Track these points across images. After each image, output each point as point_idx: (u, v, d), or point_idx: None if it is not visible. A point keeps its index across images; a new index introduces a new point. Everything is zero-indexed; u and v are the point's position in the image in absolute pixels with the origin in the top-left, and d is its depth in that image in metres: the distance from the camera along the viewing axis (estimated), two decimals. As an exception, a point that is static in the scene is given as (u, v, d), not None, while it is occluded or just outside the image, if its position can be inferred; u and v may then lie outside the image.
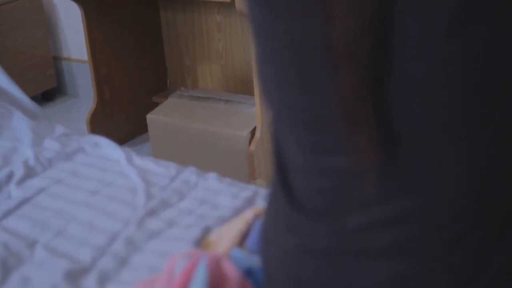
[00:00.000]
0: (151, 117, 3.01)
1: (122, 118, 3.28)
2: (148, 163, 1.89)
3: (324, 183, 0.80)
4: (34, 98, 3.46)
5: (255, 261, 1.31)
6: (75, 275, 1.45)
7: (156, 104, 3.29)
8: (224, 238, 1.41)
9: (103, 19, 3.15)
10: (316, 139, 0.79)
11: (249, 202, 1.68)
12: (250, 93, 3.07)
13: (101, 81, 3.18)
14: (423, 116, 0.69)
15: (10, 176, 1.87)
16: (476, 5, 0.64)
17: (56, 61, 3.86)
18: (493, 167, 0.71)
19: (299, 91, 0.77)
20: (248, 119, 2.83)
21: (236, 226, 1.43)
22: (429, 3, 0.65)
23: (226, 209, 1.65)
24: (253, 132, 2.76)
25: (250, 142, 2.75)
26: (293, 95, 0.78)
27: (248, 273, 1.23)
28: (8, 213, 1.71)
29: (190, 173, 1.84)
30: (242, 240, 1.41)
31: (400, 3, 0.66)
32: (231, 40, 3.20)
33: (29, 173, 1.89)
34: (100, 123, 3.19)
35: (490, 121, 0.68)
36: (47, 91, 3.82)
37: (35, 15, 3.69)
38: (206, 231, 1.56)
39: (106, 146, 2.01)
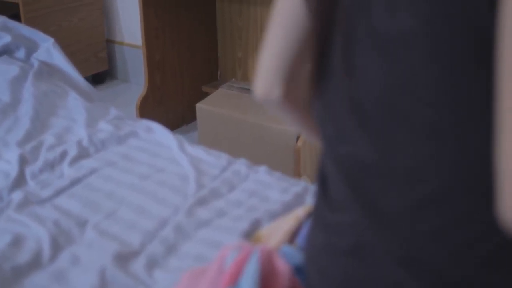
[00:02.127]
0: (200, 106, 3.02)
1: (171, 106, 3.30)
2: (199, 152, 1.90)
3: (344, 171, 0.82)
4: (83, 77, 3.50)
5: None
6: (124, 258, 1.46)
7: (205, 94, 3.30)
8: (275, 234, 1.41)
9: (160, 5, 3.17)
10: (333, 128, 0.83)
11: (298, 198, 1.68)
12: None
13: (153, 67, 3.20)
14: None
15: (63, 155, 1.89)
16: None
17: (109, 44, 3.89)
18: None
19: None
20: (298, 115, 2.82)
21: (287, 223, 1.43)
22: None
23: (275, 203, 1.65)
24: (301, 128, 2.75)
25: (297, 138, 2.74)
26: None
27: (298, 270, 1.23)
28: (60, 191, 1.73)
29: (240, 165, 1.85)
30: (293, 237, 1.41)
31: None
32: (285, 35, 3.20)
33: (83, 153, 1.91)
34: (149, 109, 3.21)
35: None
36: (98, 73, 3.86)
37: (92, -3, 3.72)
38: (255, 223, 1.56)
39: (159, 132, 2.03)
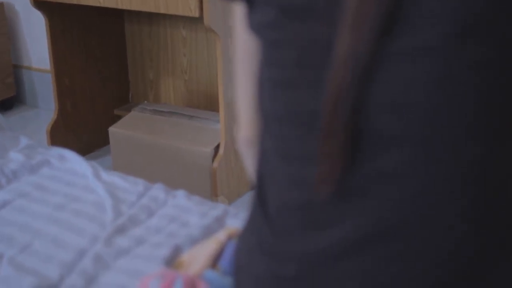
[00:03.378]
0: (113, 130, 2.98)
1: (83, 130, 3.25)
2: (115, 178, 1.87)
3: (300, 197, 0.80)
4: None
5: (228, 282, 1.30)
6: (42, 292, 1.43)
7: (118, 117, 3.26)
8: (197, 259, 1.40)
9: (68, 29, 3.12)
10: (296, 144, 0.79)
11: (218, 221, 1.67)
12: (214, 109, 3.06)
13: (63, 92, 3.15)
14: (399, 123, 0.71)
15: (-27, 188, 1.84)
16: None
17: (16, 69, 3.81)
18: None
19: (297, 91, 0.79)
20: (212, 136, 2.82)
21: (209, 247, 1.42)
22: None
23: (195, 227, 1.64)
24: (216, 148, 2.75)
25: (213, 158, 2.74)
26: (289, 94, 0.79)
27: (222, 295, 1.22)
28: (-28, 226, 1.68)
29: (158, 190, 1.83)
30: (215, 261, 1.40)
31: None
32: (196, 55, 3.19)
33: (-6, 185, 1.85)
34: (61, 135, 3.15)
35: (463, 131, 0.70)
36: (6, 99, 3.76)
37: (-4, 22, 3.64)
38: (176, 249, 1.54)
39: (72, 159, 1.99)
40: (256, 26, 0.84)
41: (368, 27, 0.70)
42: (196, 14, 2.54)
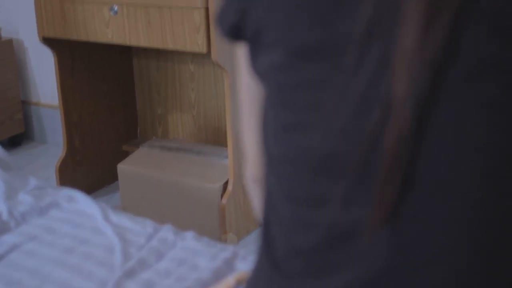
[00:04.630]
0: (121, 167, 2.98)
1: (91, 167, 3.24)
2: (124, 220, 1.86)
3: (308, 240, 0.79)
4: (0, 143, 3.42)
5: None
6: None
7: (126, 153, 3.26)
8: (207, 305, 1.39)
9: (76, 65, 3.13)
10: (304, 186, 0.78)
11: (228, 264, 1.66)
12: (222, 144, 3.05)
13: (72, 129, 3.15)
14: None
15: (-18, 231, 1.83)
16: None
17: (25, 105, 3.82)
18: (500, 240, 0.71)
19: (307, 134, 0.77)
20: (221, 172, 2.81)
21: (219, 293, 1.41)
22: None
23: (205, 270, 1.62)
24: (225, 185, 2.73)
25: (222, 195, 2.72)
26: (297, 137, 0.78)
27: None
28: (-19, 271, 1.67)
29: (167, 232, 1.81)
30: (225, 307, 1.39)
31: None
32: (204, 90, 3.19)
33: (3, 228, 1.85)
34: (69, 171, 3.15)
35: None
36: (15, 135, 3.77)
37: (5, 58, 3.64)
38: (186, 294, 1.53)
39: (81, 201, 1.98)
40: (262, 69, 0.82)
41: (423, 70, 0.69)
42: (203, 50, 2.55)
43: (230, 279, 1.45)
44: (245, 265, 1.61)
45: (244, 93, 0.94)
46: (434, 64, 0.69)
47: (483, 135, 0.69)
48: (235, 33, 0.85)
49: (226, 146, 2.81)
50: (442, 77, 0.69)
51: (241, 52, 0.89)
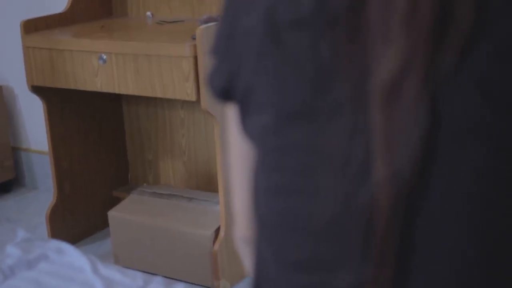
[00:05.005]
0: (112, 214, 2.96)
1: (82, 213, 3.22)
2: (114, 273, 1.85)
3: None
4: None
5: None
6: None
7: (117, 199, 3.24)
8: None
9: (65, 112, 3.13)
10: (297, 251, 0.77)
11: (219, 317, 1.64)
12: (214, 190, 3.04)
13: (62, 176, 3.13)
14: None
15: (-31, 286, 1.81)
16: None
17: (15, 151, 3.81)
18: None
19: (300, 198, 0.76)
20: (212, 218, 2.79)
21: None
22: None
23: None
24: (217, 231, 2.72)
25: (214, 241, 2.71)
26: (293, 201, 0.77)
27: None
28: (-32, 328, 1.65)
29: (157, 284, 1.80)
30: None
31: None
32: (194, 136, 3.19)
33: (-10, 282, 1.83)
34: (60, 218, 3.13)
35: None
36: (5, 182, 3.75)
37: (-5, 105, 3.65)
38: None
39: (70, 253, 1.97)
40: (252, 131, 0.82)
41: (407, 150, 0.68)
42: (193, 98, 2.55)
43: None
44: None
45: (233, 152, 0.94)
46: (423, 137, 0.68)
47: (474, 200, 0.69)
48: (225, 94, 0.85)
49: (217, 192, 2.80)
50: (432, 141, 0.69)
51: (230, 112, 0.89)
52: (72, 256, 1.95)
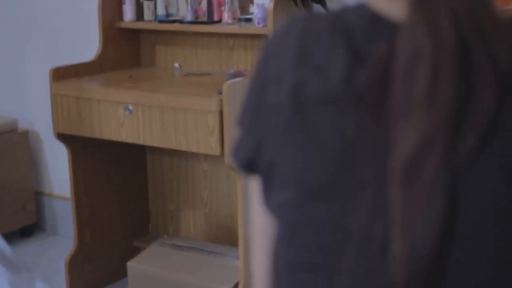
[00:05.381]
0: (131, 265, 2.96)
1: (101, 262, 3.21)
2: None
3: None
4: (12, 233, 3.41)
5: None
6: None
7: (136, 248, 3.24)
8: None
9: (89, 159, 3.14)
10: None
11: None
12: (234, 243, 3.02)
13: (83, 223, 3.13)
14: None
15: (-16, 338, 1.79)
16: None
17: (37, 196, 3.82)
18: None
19: (321, 275, 0.76)
20: (231, 273, 2.78)
21: None
22: None
23: None
24: (235, 287, 2.70)
25: (233, 296, 2.69)
26: (314, 278, 0.77)
27: None
28: None
29: None
30: None
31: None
32: (216, 188, 3.19)
33: (5, 335, 1.81)
34: (79, 266, 3.12)
35: None
36: (26, 226, 3.76)
37: (21, 148, 3.67)
38: None
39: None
40: (274, 205, 0.82)
41: (424, 228, 0.68)
42: (217, 153, 2.55)
43: None
44: None
45: (255, 226, 0.93)
46: (440, 220, 0.68)
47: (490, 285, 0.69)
48: (249, 166, 0.85)
49: (237, 245, 2.78)
50: (451, 224, 0.68)
51: (254, 185, 0.88)
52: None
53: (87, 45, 3.29)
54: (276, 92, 0.80)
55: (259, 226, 0.92)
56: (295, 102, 0.78)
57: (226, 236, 3.17)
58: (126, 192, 3.32)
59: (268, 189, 0.83)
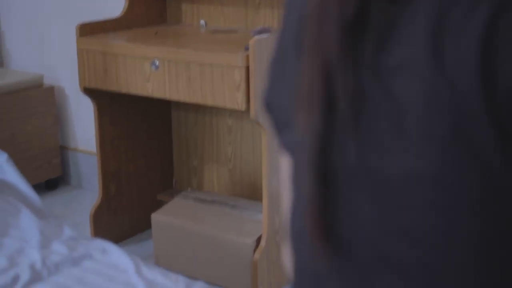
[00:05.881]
0: (156, 217, 3.00)
1: (125, 214, 3.26)
2: (156, 275, 1.87)
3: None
4: (37, 186, 3.46)
5: None
6: None
7: (161, 202, 3.28)
8: None
9: (115, 114, 3.17)
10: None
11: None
12: (257, 199, 3.06)
13: (108, 176, 3.18)
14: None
15: (15, 280, 1.85)
16: None
17: (63, 150, 3.87)
18: None
19: None
20: (254, 226, 2.81)
21: None
22: None
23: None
24: (258, 240, 2.74)
25: (254, 250, 2.72)
26: None
27: None
28: (12, 320, 1.68)
29: (199, 289, 1.82)
30: None
31: None
32: (240, 144, 3.22)
33: (35, 277, 1.86)
34: (104, 218, 3.17)
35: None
36: (51, 179, 3.82)
37: (47, 104, 3.71)
38: None
39: (115, 253, 1.99)
40: (287, 145, 0.85)
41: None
42: (243, 108, 2.57)
43: None
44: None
45: (282, 170, 0.96)
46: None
47: None
48: (268, 108, 0.89)
49: (261, 201, 2.81)
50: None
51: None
52: (116, 256, 1.97)
53: (113, 2, 3.32)
54: (288, 34, 0.84)
55: (284, 169, 0.95)
56: (296, 47, 0.81)
57: (250, 192, 3.21)
58: (150, 147, 3.36)
59: (281, 131, 0.86)
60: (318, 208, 0.75)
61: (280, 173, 0.97)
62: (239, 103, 2.57)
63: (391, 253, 0.72)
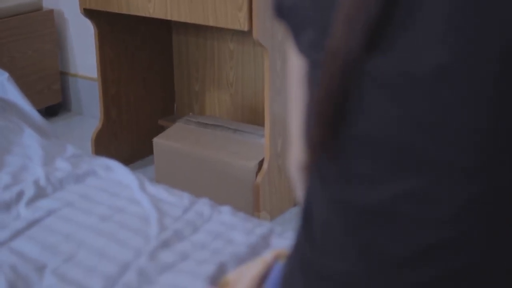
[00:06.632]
0: (157, 141, 2.98)
1: (127, 139, 3.25)
2: (161, 191, 1.86)
3: (335, 217, 0.80)
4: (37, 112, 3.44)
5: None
6: (85, 305, 1.42)
7: (162, 128, 3.26)
8: (243, 279, 1.38)
9: (116, 38, 3.13)
10: (333, 167, 0.80)
11: (264, 240, 1.65)
12: (259, 123, 3.04)
13: (109, 101, 3.16)
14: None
15: (20, 195, 1.84)
16: None
17: (63, 76, 3.83)
18: None
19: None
20: (256, 150, 2.80)
21: (255, 267, 1.40)
22: None
23: (240, 245, 1.62)
24: (260, 163, 2.73)
25: (257, 173, 2.72)
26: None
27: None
28: (17, 234, 1.68)
29: (203, 205, 1.81)
30: (261, 282, 1.38)
31: None
32: (242, 69, 3.19)
33: (40, 193, 1.85)
34: (105, 143, 3.16)
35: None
36: (51, 106, 3.79)
37: (46, 28, 3.66)
38: (221, 267, 1.53)
39: (118, 170, 1.98)
40: (302, 47, 0.84)
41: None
42: (245, 27, 2.54)
43: (268, 255, 1.45)
44: (281, 241, 1.60)
45: (292, 75, 0.94)
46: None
47: None
48: (279, 11, 0.87)
49: (262, 125, 2.80)
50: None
51: (287, 33, 0.90)
52: (120, 173, 1.96)
53: None
54: None
55: (294, 74, 0.93)
56: None
57: (251, 117, 3.19)
58: (151, 72, 3.32)
59: (297, 33, 0.85)
60: (335, 103, 0.75)
61: (291, 75, 0.95)
62: (241, 23, 2.53)
63: (415, 151, 0.71)
